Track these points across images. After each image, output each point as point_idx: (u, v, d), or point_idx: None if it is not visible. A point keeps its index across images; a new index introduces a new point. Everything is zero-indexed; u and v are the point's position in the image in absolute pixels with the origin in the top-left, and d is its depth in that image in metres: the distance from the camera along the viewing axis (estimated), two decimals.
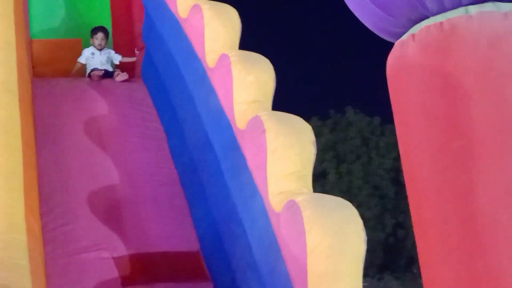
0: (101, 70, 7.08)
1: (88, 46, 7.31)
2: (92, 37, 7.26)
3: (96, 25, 7.37)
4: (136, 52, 7.39)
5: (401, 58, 2.89)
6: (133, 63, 7.40)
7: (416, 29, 2.90)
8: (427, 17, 2.88)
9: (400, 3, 2.80)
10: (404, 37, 2.90)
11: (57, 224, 5.05)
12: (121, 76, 6.99)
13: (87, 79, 7.11)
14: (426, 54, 2.82)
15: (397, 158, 18.18)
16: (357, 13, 2.98)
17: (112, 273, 4.71)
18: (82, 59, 7.22)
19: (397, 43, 2.94)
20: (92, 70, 7.11)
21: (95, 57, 7.19)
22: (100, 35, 7.24)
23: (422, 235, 3.04)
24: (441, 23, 2.89)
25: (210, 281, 4.82)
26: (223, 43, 5.40)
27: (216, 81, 5.24)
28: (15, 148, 4.38)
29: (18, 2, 6.03)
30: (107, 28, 7.39)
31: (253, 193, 4.32)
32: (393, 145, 17.93)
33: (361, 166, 17.97)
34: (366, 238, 3.72)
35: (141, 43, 7.28)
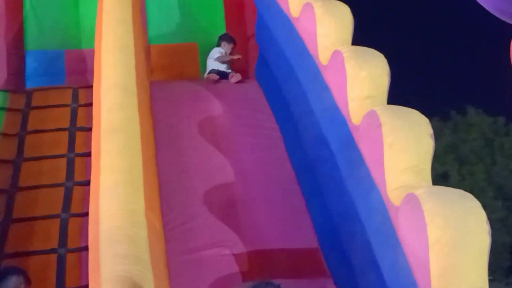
0: (217, 73, 7.17)
1: (205, 51, 7.43)
2: (227, 42, 7.33)
3: (220, 31, 7.50)
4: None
5: None
6: (246, 64, 7.45)
7: None
8: None
9: None
10: None
11: (177, 223, 5.15)
12: (235, 78, 7.07)
13: (203, 81, 7.23)
14: None
15: None
16: None
17: (232, 269, 4.76)
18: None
19: None
20: (210, 72, 7.22)
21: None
22: (232, 45, 7.33)
23: None
24: None
25: (329, 277, 4.77)
26: (335, 40, 5.36)
27: (329, 78, 5.21)
28: (135, 147, 4.49)
29: (136, 7, 6.22)
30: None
31: (371, 188, 4.25)
32: None
33: (484, 167, 17.36)
34: (490, 231, 3.56)
35: (254, 44, 7.34)
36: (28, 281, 4.67)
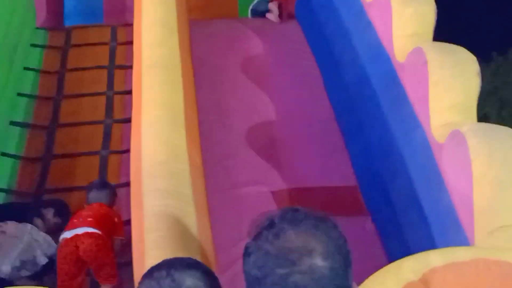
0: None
1: None
2: None
3: None
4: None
5: None
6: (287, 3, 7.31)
7: None
8: None
9: None
10: None
11: (216, 160, 5.15)
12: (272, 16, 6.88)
13: (242, 19, 7.14)
14: None
15: None
16: None
17: (271, 206, 4.76)
18: None
19: None
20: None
21: None
22: None
23: None
24: None
25: (368, 215, 4.75)
26: None
27: (374, 15, 5.11)
28: (176, 83, 4.47)
29: None
30: None
31: (415, 126, 4.18)
32: None
33: None
34: None
35: None
36: (65, 213, 4.81)
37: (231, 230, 4.52)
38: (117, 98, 6.02)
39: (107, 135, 5.65)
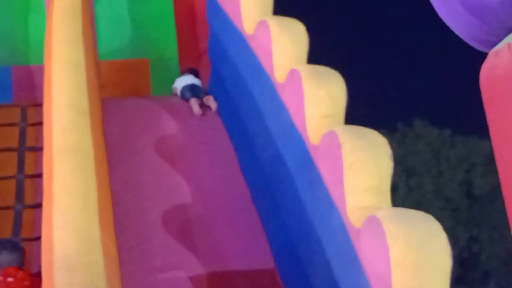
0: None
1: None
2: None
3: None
4: None
5: (495, 68, 2.73)
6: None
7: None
8: None
9: (496, 9, 2.64)
10: (499, 46, 2.73)
11: (131, 244, 5.03)
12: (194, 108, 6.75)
13: (155, 97, 7.12)
14: None
15: (469, 170, 17.75)
16: (447, 20, 2.83)
17: None
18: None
19: (491, 53, 2.77)
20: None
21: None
22: None
23: None
24: None
25: None
26: (291, 58, 5.33)
27: (286, 96, 5.16)
28: (88, 169, 4.38)
29: (86, 23, 6.09)
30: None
31: (330, 209, 4.21)
32: (465, 157, 17.51)
33: (431, 179, 17.61)
34: (451, 253, 3.56)
35: (206, 61, 7.26)
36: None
37: None
38: (28, 181, 5.82)
39: (17, 222, 5.42)
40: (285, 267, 4.88)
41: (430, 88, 20.74)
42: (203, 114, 6.61)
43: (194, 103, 6.69)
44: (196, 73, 7.14)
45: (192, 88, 6.87)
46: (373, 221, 3.66)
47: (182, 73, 7.20)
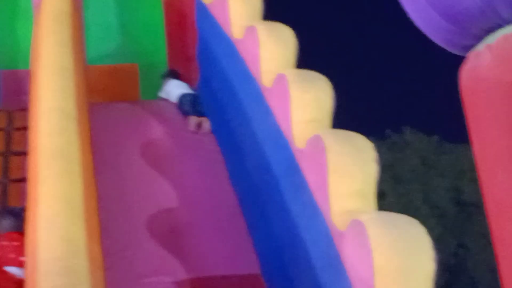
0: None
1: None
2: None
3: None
4: None
5: (476, 70, 2.76)
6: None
7: (491, 39, 2.76)
8: (500, 25, 2.73)
9: (471, 13, 2.67)
10: (478, 48, 2.76)
11: (117, 249, 5.02)
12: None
13: (142, 103, 7.12)
14: (505, 66, 2.68)
15: (457, 177, 17.79)
16: (424, 28, 2.87)
17: None
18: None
19: (471, 55, 2.80)
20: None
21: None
22: None
23: (503, 248, 2.88)
24: None
25: None
26: (278, 63, 5.35)
27: (273, 101, 5.17)
28: (74, 173, 4.37)
29: (75, 27, 6.09)
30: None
31: (315, 213, 4.22)
32: (453, 164, 17.56)
33: (419, 186, 17.64)
34: (435, 257, 3.57)
35: (195, 66, 7.27)
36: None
37: None
38: (12, 186, 5.81)
39: None
40: (270, 271, 4.88)
41: (419, 95, 20.84)
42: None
43: (192, 121, 6.58)
44: (178, 76, 7.15)
45: (193, 102, 6.76)
46: (357, 225, 3.67)
47: (167, 76, 7.17)
